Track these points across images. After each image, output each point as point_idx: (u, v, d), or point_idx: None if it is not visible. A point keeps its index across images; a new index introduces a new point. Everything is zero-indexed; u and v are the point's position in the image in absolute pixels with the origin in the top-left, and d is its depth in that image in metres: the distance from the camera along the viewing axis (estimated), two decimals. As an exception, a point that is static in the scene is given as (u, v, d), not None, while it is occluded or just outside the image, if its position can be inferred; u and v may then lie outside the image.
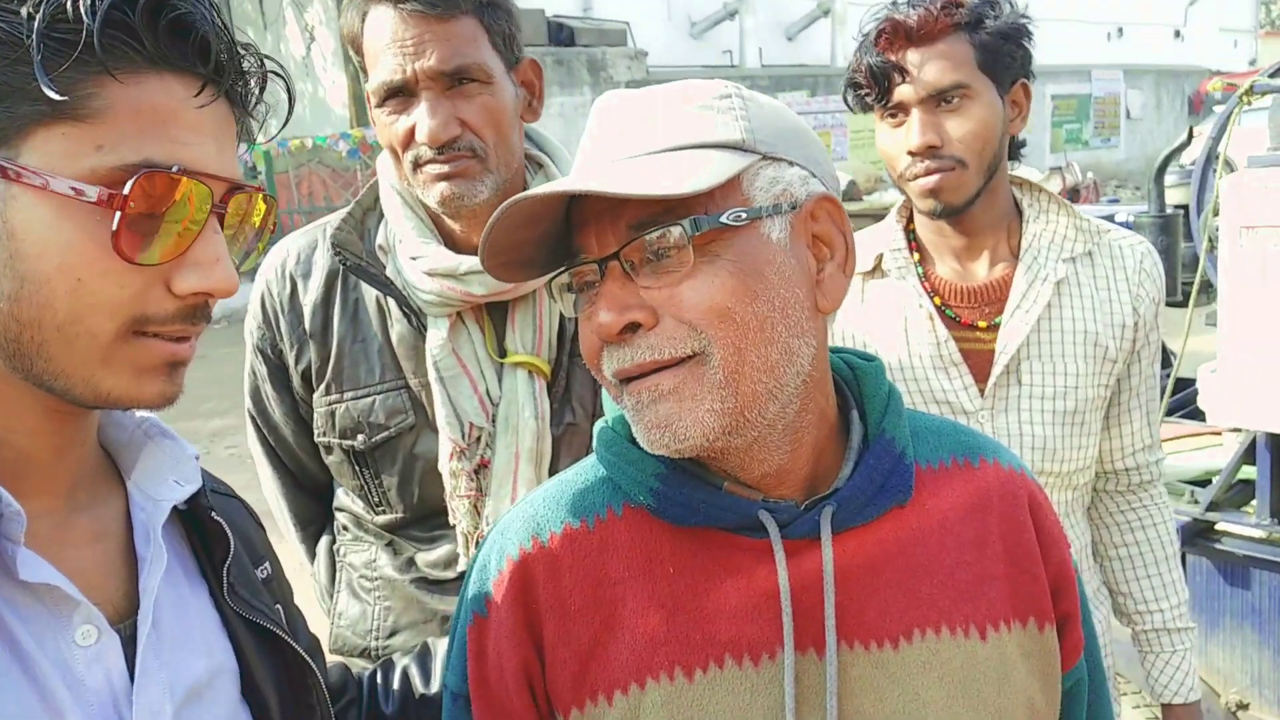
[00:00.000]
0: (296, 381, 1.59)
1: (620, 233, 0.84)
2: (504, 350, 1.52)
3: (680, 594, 0.91)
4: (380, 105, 1.42)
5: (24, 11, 0.68)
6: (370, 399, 1.53)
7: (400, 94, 1.40)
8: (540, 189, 0.83)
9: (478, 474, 1.51)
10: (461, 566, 1.56)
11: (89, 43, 0.68)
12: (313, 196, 14.42)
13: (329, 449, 1.59)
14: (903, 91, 1.57)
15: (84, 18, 0.68)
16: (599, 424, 1.00)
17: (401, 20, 1.37)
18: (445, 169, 1.40)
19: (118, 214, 0.69)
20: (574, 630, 0.91)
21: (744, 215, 0.84)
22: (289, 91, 0.84)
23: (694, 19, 19.38)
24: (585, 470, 1.00)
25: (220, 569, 0.90)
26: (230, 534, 0.91)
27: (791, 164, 0.89)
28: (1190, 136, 5.05)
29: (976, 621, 0.93)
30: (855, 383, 1.00)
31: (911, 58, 1.55)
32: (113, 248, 0.70)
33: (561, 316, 1.53)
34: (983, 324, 1.65)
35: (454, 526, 1.54)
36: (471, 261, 1.44)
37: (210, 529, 0.90)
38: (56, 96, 0.67)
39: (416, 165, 1.42)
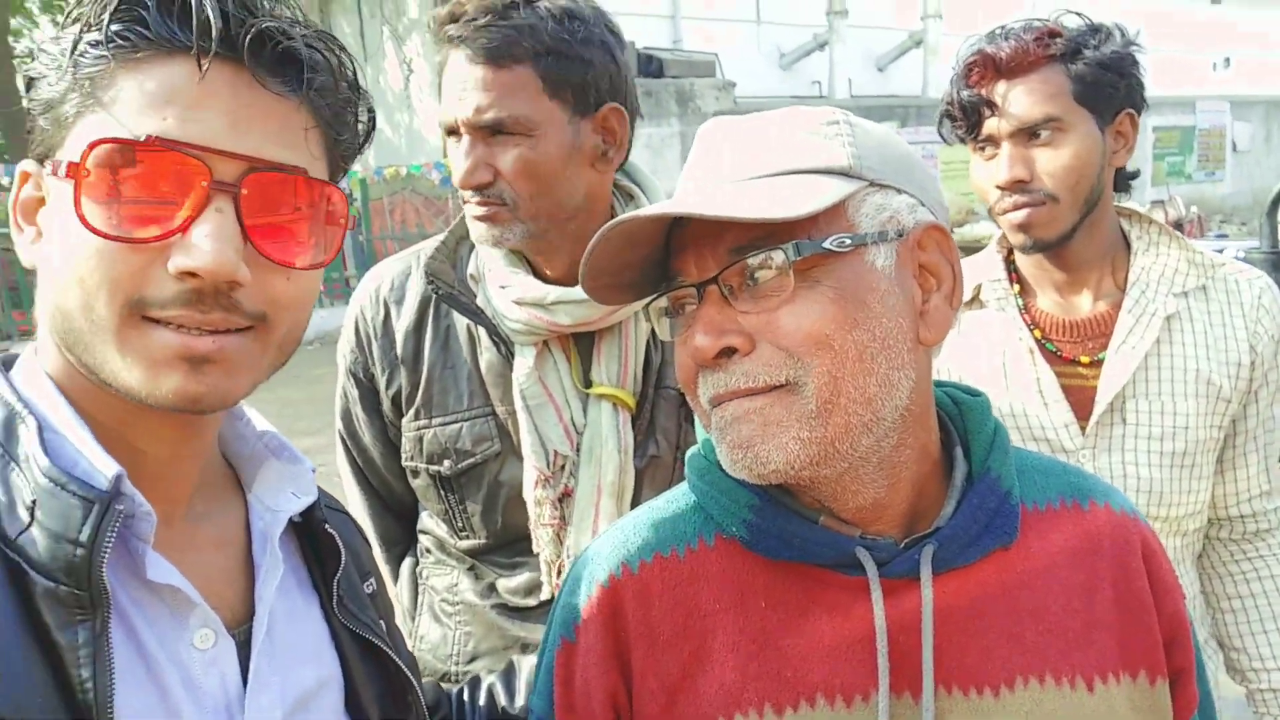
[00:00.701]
0: (386, 405, 1.61)
1: (720, 256, 0.83)
2: (589, 381, 1.52)
3: (772, 629, 0.88)
4: (449, 140, 1.47)
5: (69, 34, 0.73)
6: (458, 425, 1.55)
7: (455, 133, 1.44)
8: (643, 211, 0.82)
9: (561, 502, 1.51)
10: (544, 595, 1.56)
11: (104, 36, 0.71)
12: (405, 223, 14.81)
13: (416, 473, 1.61)
14: (992, 125, 1.55)
15: (101, 15, 0.71)
16: (691, 451, 0.98)
17: (460, 64, 1.40)
18: (479, 210, 1.44)
19: (73, 183, 0.70)
20: (663, 660, 0.90)
21: (848, 241, 0.82)
22: (329, 57, 0.78)
23: (783, 50, 19.40)
24: (677, 498, 0.98)
25: (331, 581, 0.91)
26: (342, 547, 0.92)
27: (900, 191, 0.87)
28: (1306, 169, 4.83)
29: (1084, 672, 0.89)
30: (959, 418, 0.96)
31: (1001, 90, 1.53)
32: (77, 218, 0.70)
33: (648, 348, 1.53)
34: (1085, 359, 1.59)
35: (537, 554, 1.54)
36: (559, 292, 1.45)
37: (323, 542, 0.92)
38: (76, 89, 0.71)
39: (465, 200, 1.46)
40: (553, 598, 1.52)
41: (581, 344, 1.53)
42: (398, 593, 1.76)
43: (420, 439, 1.57)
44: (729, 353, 0.82)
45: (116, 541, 0.71)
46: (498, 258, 1.52)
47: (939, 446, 0.93)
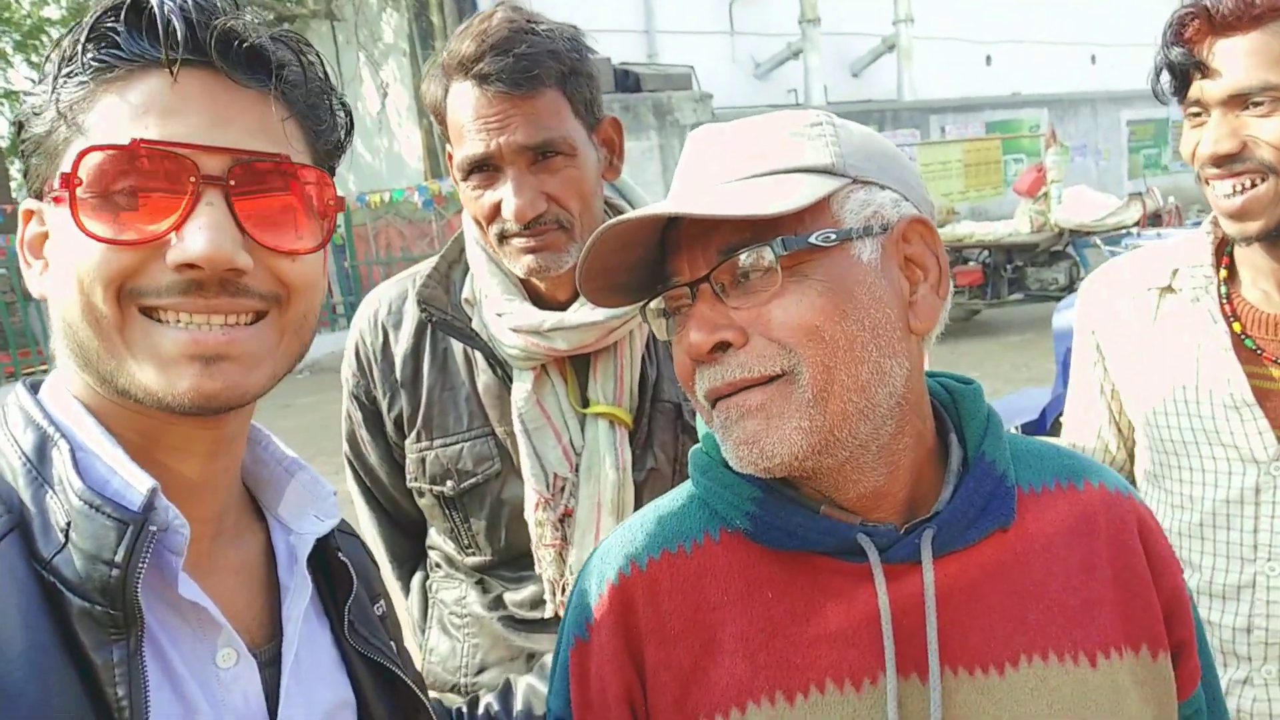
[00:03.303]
0: (390, 427, 1.63)
1: (711, 257, 0.86)
2: (586, 400, 1.54)
3: (779, 618, 0.91)
4: (466, 178, 1.44)
5: (50, 70, 0.75)
6: (459, 446, 1.57)
7: (485, 168, 1.41)
8: (633, 214, 0.85)
9: (562, 523, 1.54)
10: (548, 612, 1.58)
11: (81, 65, 0.74)
12: (390, 248, 14.84)
13: (420, 493, 1.63)
14: (1202, 88, 1.34)
15: (76, 45, 0.74)
16: (693, 449, 1.01)
17: (485, 97, 1.38)
18: (532, 243, 1.42)
19: (68, 194, 0.72)
20: (674, 654, 0.92)
21: (833, 236, 0.85)
22: (295, 52, 0.82)
23: (758, 60, 19.53)
24: (681, 496, 1.01)
25: (342, 607, 0.93)
26: (353, 574, 0.94)
27: (883, 187, 0.90)
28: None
29: (1086, 648, 0.91)
30: (953, 406, 0.99)
31: (1215, 49, 1.33)
32: (75, 225, 0.72)
33: (644, 364, 1.56)
34: None
35: (540, 575, 1.57)
36: (555, 318, 1.47)
37: (335, 567, 0.93)
38: (61, 119, 0.74)
39: (503, 238, 1.44)
40: (557, 616, 1.55)
41: (578, 364, 1.55)
42: (408, 606, 1.79)
43: (423, 460, 1.59)
44: (723, 347, 0.85)
45: (149, 559, 0.72)
46: (494, 285, 1.53)
47: (934, 434, 0.96)
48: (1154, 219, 10.79)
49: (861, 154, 0.90)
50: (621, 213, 1.59)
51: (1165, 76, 1.41)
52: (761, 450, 0.85)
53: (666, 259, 0.91)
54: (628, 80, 15.03)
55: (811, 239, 0.84)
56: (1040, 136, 14.10)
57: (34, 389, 0.83)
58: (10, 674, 0.67)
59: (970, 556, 0.91)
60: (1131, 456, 1.63)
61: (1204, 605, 1.45)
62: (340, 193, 0.89)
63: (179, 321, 0.74)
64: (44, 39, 19.94)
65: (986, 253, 11.05)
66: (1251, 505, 1.40)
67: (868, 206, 0.88)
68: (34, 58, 20.28)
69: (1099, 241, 10.15)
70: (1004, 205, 16.87)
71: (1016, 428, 3.33)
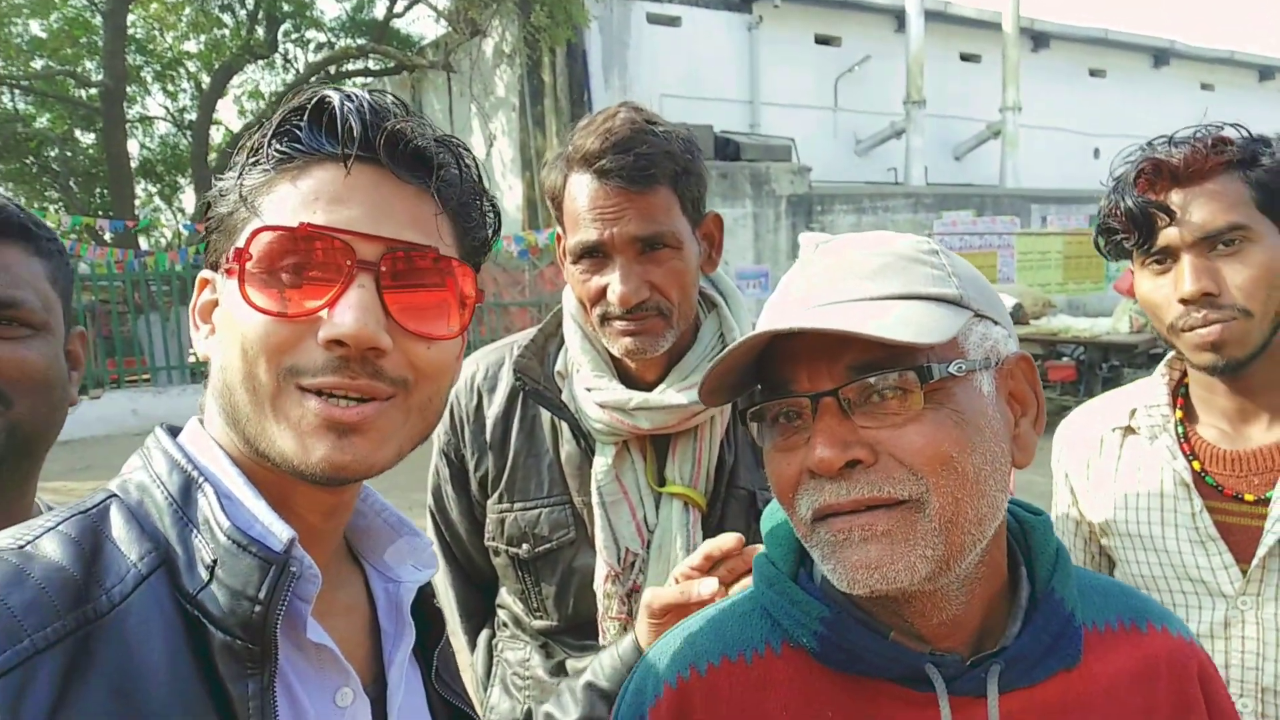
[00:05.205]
0: (474, 486, 1.69)
1: (838, 372, 0.85)
2: (663, 480, 1.58)
3: None
4: (575, 262, 1.52)
5: (240, 162, 0.84)
6: (537, 511, 1.62)
7: (596, 254, 1.49)
8: (783, 325, 0.85)
9: (630, 598, 1.57)
10: None
11: (265, 155, 0.82)
12: (484, 292, 15.20)
13: (497, 553, 1.68)
14: (1169, 235, 1.41)
15: (264, 139, 0.83)
16: (757, 557, 1.01)
17: (603, 190, 1.46)
18: (632, 326, 1.49)
19: (238, 266, 0.80)
20: None
21: (964, 367, 0.85)
22: (454, 155, 0.88)
23: (859, 137, 19.59)
24: (743, 604, 1.01)
25: (430, 653, 0.97)
26: (445, 621, 0.98)
27: (995, 323, 0.90)
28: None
29: None
30: (1023, 537, 0.99)
31: (1177, 198, 1.40)
32: (241, 298, 0.79)
33: (721, 449, 1.59)
34: (1249, 497, 1.43)
35: (604, 647, 1.60)
36: (641, 397, 1.53)
37: (429, 614, 0.98)
38: (242, 202, 0.82)
39: (605, 319, 1.51)
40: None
41: (658, 444, 1.60)
42: (473, 662, 1.83)
43: (502, 521, 1.65)
44: (851, 464, 0.84)
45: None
46: (586, 361, 1.59)
47: (1005, 565, 0.96)
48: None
49: (975, 288, 0.90)
50: (713, 303, 1.65)
51: (1110, 233, 1.47)
52: (883, 575, 0.83)
53: (778, 366, 0.90)
54: (728, 148, 15.21)
55: (950, 368, 0.84)
56: (1145, 234, 13.86)
57: (173, 433, 0.89)
58: (156, 698, 0.72)
59: (1034, 695, 0.90)
60: None
61: None
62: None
63: (322, 395, 0.79)
64: (181, 70, 21.12)
65: (1082, 349, 10.80)
66: (1221, 640, 1.42)
67: (987, 340, 0.89)
68: (169, 87, 21.50)
69: (1181, 354, 9.81)
70: (1104, 301, 16.49)
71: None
